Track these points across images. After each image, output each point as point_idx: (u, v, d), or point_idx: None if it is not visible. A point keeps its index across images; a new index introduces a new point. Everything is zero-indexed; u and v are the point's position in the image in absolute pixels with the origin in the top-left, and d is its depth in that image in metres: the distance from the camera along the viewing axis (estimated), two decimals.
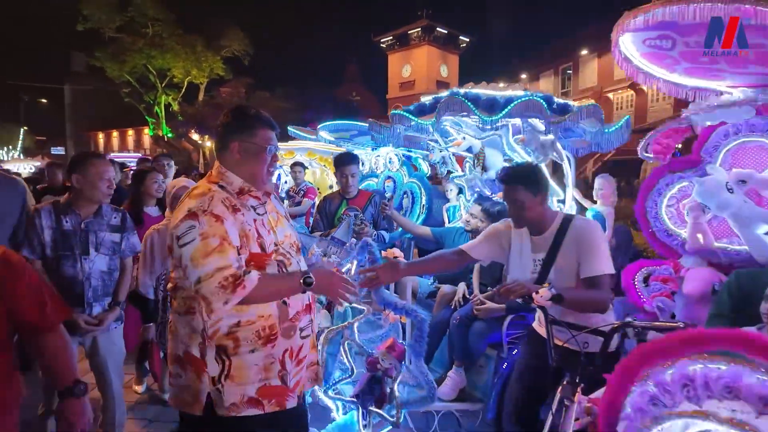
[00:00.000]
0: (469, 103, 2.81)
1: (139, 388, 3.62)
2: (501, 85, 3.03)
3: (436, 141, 4.09)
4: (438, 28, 37.92)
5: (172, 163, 5.26)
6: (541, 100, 2.66)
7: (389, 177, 6.19)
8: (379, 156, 6.39)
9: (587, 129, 2.96)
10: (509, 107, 2.69)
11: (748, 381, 1.00)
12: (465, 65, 41.20)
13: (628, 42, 2.35)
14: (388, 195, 5.87)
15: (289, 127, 7.53)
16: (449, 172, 4.83)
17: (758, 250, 2.41)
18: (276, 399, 1.61)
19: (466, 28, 42.01)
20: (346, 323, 2.70)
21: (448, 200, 5.15)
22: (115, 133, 45.46)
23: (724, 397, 1.02)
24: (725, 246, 2.64)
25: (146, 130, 35.06)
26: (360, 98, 38.25)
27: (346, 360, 2.71)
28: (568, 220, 2.20)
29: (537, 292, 1.89)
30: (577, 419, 1.69)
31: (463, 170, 4.43)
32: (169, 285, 1.70)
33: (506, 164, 3.74)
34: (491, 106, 2.86)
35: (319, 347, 1.89)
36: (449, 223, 4.74)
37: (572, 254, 2.12)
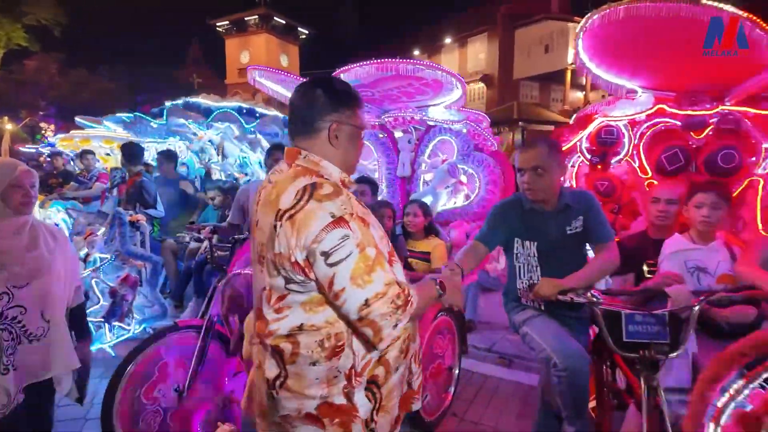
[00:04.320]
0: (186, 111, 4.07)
1: None
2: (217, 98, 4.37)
3: (195, 134, 5.29)
4: (276, 18, 38.40)
5: None
6: (233, 111, 4.05)
7: (184, 163, 7.20)
8: (170, 145, 7.32)
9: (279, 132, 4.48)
10: (212, 115, 4.03)
11: None
12: (311, 56, 42.42)
13: None
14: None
15: (76, 118, 7.83)
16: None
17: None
18: (410, 404, 1.47)
19: (307, 20, 42.90)
20: (93, 268, 3.78)
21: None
22: None
23: None
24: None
25: None
26: (202, 80, 36.88)
27: (95, 293, 3.78)
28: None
29: None
30: None
31: None
32: (273, 329, 1.24)
33: (242, 154, 5.18)
34: (208, 113, 4.17)
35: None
36: None
37: None
